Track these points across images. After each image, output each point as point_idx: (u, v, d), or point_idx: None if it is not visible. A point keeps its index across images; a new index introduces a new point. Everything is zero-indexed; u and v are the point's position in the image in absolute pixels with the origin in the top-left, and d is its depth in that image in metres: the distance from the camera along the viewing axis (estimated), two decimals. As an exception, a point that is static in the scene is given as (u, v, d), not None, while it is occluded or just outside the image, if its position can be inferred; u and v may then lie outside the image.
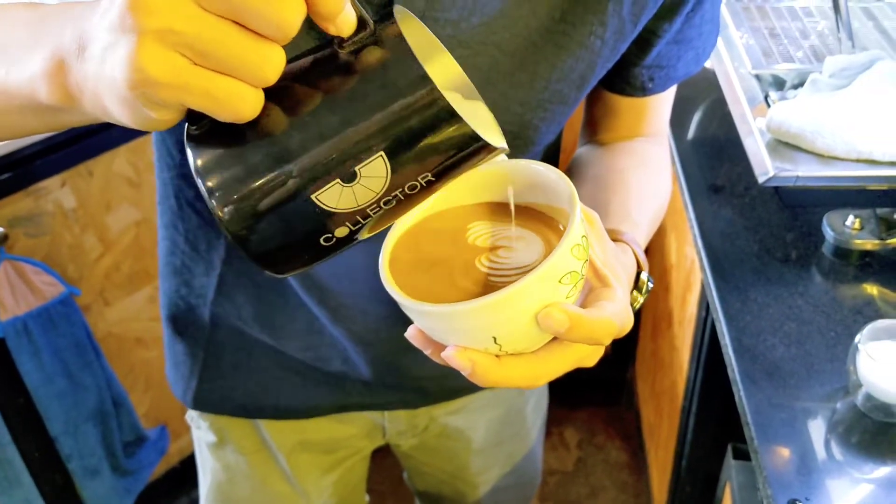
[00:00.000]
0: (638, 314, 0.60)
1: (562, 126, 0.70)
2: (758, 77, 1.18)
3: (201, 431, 0.94)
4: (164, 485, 1.82)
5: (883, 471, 0.77)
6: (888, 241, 1.00)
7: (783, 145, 0.99)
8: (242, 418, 0.90)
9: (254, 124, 0.39)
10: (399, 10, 0.42)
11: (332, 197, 0.40)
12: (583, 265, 0.46)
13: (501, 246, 0.50)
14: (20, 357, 1.38)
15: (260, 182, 0.39)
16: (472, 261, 0.50)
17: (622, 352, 2.10)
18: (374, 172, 0.40)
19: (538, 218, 0.51)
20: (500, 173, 0.52)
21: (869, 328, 0.81)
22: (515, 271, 0.48)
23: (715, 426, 1.26)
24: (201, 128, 0.40)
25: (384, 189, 0.41)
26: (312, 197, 0.40)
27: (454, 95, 0.43)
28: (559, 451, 2.07)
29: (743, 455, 1.03)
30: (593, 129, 0.80)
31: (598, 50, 0.63)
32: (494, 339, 0.46)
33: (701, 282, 1.16)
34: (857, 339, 0.81)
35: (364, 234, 0.44)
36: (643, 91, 0.73)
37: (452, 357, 0.46)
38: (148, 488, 1.71)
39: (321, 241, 0.42)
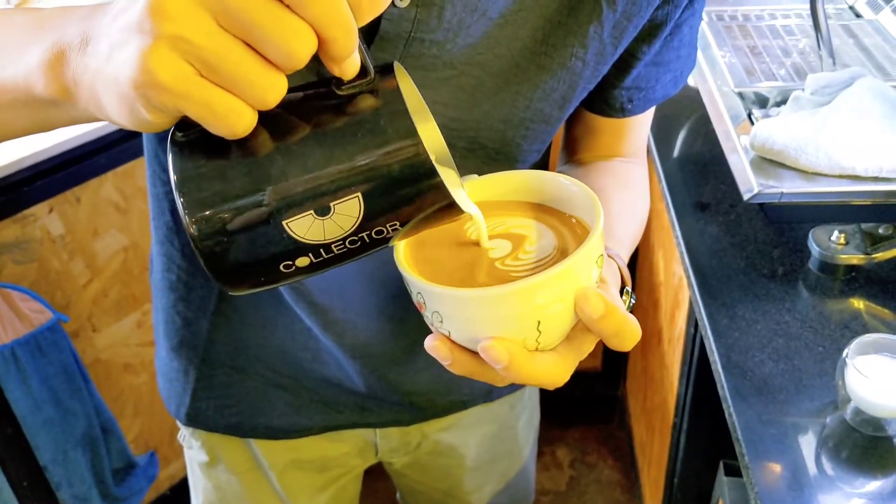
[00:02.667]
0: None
1: (545, 145, 0.71)
2: (741, 95, 1.19)
3: (193, 451, 0.94)
4: (154, 512, 1.80)
5: (874, 485, 0.78)
6: (874, 256, 1.00)
7: (767, 162, 1.00)
8: (235, 437, 0.90)
9: (241, 143, 0.40)
10: (399, 68, 0.44)
11: (303, 227, 0.41)
12: (604, 256, 0.49)
13: (516, 236, 0.52)
14: (8, 385, 1.37)
15: (237, 200, 0.40)
16: (485, 253, 0.51)
17: (613, 370, 2.10)
18: (348, 211, 0.42)
19: (550, 215, 0.54)
20: (509, 179, 0.55)
21: (856, 343, 0.81)
22: (532, 265, 0.49)
23: (706, 443, 1.26)
24: (188, 136, 0.41)
25: (353, 228, 0.42)
26: (284, 223, 0.41)
27: (432, 157, 0.45)
28: (552, 471, 2.06)
29: (735, 472, 1.02)
30: (573, 149, 0.81)
31: (580, 71, 0.64)
32: (538, 323, 0.47)
33: (689, 299, 1.17)
34: (844, 353, 0.81)
35: (323, 269, 0.45)
36: (622, 112, 0.74)
37: (491, 348, 0.46)
38: (138, 515, 1.70)
39: (281, 266, 0.43)
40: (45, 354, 1.42)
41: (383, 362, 0.80)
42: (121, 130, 1.46)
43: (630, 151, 0.79)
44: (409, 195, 0.42)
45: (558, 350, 0.50)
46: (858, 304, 0.98)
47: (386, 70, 0.43)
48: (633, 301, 0.61)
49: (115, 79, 0.38)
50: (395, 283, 0.74)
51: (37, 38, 0.44)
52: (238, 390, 0.85)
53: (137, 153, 1.50)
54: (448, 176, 0.51)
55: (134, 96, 0.37)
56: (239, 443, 0.91)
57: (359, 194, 0.41)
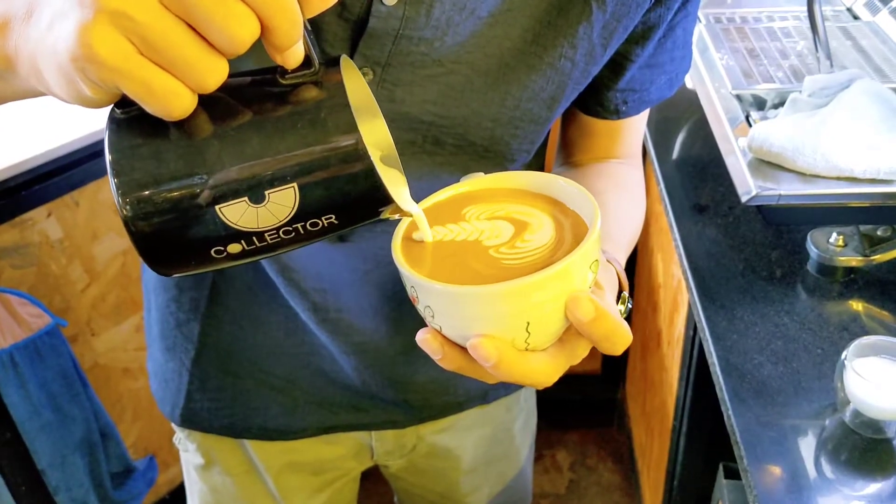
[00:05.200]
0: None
1: (535, 145, 0.71)
2: (739, 97, 1.19)
3: (189, 454, 0.94)
4: (153, 516, 1.80)
5: (872, 487, 0.77)
6: (872, 258, 1.00)
7: (765, 164, 1.00)
8: (230, 438, 0.90)
9: (179, 124, 0.40)
10: (346, 62, 0.44)
11: (236, 213, 0.41)
12: (599, 261, 0.48)
13: (517, 222, 0.52)
14: (6, 389, 1.37)
15: (171, 183, 0.40)
16: (483, 245, 0.51)
17: (613, 372, 2.10)
18: (283, 201, 0.41)
19: (552, 206, 0.54)
20: (514, 178, 0.55)
21: (855, 345, 0.81)
22: (527, 254, 0.49)
23: (706, 446, 1.26)
24: (127, 113, 0.41)
25: (288, 218, 0.42)
26: (217, 208, 0.41)
27: (375, 154, 0.44)
28: (551, 474, 2.06)
29: (734, 474, 1.02)
30: (569, 151, 0.81)
31: (569, 72, 0.65)
32: (528, 324, 0.46)
33: (688, 301, 1.16)
34: (843, 355, 0.81)
35: (255, 257, 0.45)
36: (617, 114, 0.74)
37: (479, 346, 0.46)
38: (137, 520, 1.69)
39: (212, 251, 0.43)
40: (44, 359, 1.41)
41: (379, 359, 0.81)
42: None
43: (626, 153, 0.79)
44: (345, 190, 0.42)
45: (549, 351, 0.50)
46: (857, 306, 0.97)
47: (332, 63, 0.43)
48: (629, 306, 0.61)
49: (53, 50, 0.38)
50: (390, 284, 0.74)
51: None
52: (231, 392, 0.85)
53: (136, 157, 1.50)
54: (391, 175, 0.50)
55: (72, 70, 0.37)
56: (234, 445, 0.91)
57: (294, 185, 0.41)
